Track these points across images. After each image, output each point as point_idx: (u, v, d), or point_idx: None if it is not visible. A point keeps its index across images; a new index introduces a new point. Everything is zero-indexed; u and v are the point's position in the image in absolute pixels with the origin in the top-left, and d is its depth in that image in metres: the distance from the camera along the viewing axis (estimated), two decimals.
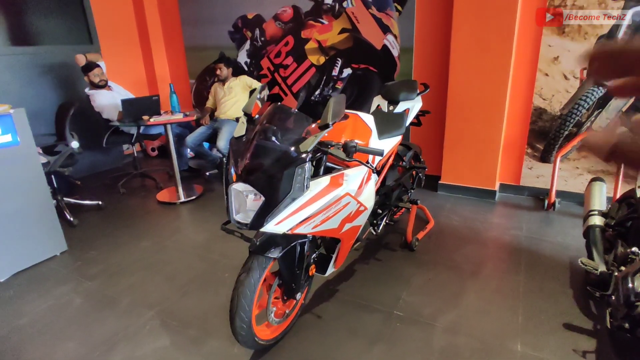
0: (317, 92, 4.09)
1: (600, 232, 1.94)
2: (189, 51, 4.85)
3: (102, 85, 3.79)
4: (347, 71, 3.85)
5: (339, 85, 3.94)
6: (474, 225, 2.92)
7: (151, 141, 4.87)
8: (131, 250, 2.79)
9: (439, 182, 3.54)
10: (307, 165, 1.44)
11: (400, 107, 2.45)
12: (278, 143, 1.49)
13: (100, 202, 3.51)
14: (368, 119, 2.05)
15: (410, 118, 2.46)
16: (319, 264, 1.90)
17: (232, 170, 1.51)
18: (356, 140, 1.78)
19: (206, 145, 4.29)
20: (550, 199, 3.06)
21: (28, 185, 2.52)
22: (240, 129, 1.61)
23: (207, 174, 4.23)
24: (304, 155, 1.43)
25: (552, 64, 3.01)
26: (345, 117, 1.94)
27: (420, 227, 2.85)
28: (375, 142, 2.04)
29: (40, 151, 3.13)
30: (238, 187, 1.47)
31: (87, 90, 3.78)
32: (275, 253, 1.54)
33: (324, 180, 1.56)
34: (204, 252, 2.70)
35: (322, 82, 4.02)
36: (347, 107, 4.02)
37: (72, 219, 3.20)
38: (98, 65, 3.76)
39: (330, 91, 4.01)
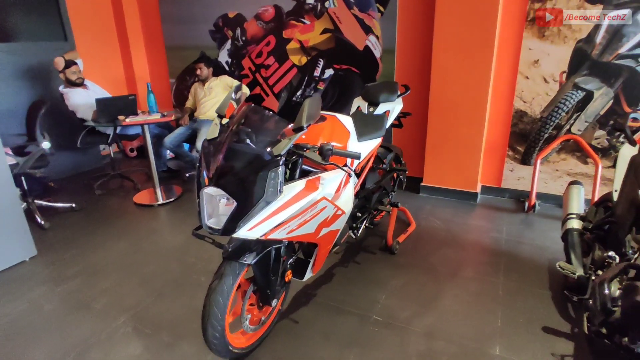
0: (299, 92, 4.04)
1: (578, 236, 1.95)
2: (169, 50, 4.75)
3: (79, 83, 3.67)
4: (329, 72, 3.82)
5: (321, 86, 3.91)
6: (455, 227, 2.91)
7: (129, 142, 4.74)
8: (105, 253, 2.69)
9: (421, 184, 3.53)
10: (281, 169, 1.39)
11: (380, 109, 2.42)
12: (251, 146, 1.44)
13: (73, 205, 3.40)
14: (346, 120, 2.01)
15: (390, 120, 2.44)
16: (297, 268, 1.86)
17: (204, 174, 1.46)
18: (333, 143, 1.74)
19: (186, 146, 4.20)
20: (530, 201, 3.07)
21: None
22: (213, 131, 1.55)
23: (187, 175, 4.14)
24: (277, 159, 1.38)
25: (532, 67, 3.03)
26: (323, 119, 1.90)
27: (402, 229, 2.83)
28: (354, 145, 2.00)
29: (10, 152, 3.01)
30: (209, 191, 1.42)
31: (61, 88, 3.65)
32: (250, 259, 1.49)
33: (299, 184, 1.51)
34: (180, 255, 2.63)
35: (304, 83, 3.98)
36: (329, 108, 4.00)
37: (43, 222, 3.08)
38: (75, 63, 3.64)
39: (312, 92, 3.97)
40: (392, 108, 2.43)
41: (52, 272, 2.50)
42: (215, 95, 3.88)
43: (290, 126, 1.55)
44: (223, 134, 1.52)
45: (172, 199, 3.58)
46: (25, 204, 3.15)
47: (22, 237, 2.61)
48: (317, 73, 3.87)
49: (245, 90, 3.93)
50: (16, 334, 1.95)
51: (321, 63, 3.83)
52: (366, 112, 2.43)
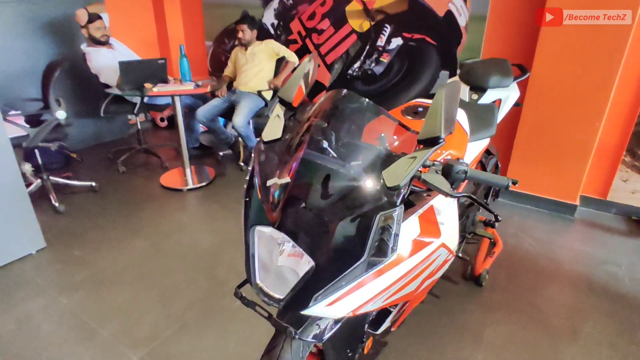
0: (357, 65, 3.39)
1: None
2: (206, 8, 4.15)
3: (104, 42, 3.16)
4: (397, 41, 3.13)
5: (385, 58, 3.24)
6: (554, 252, 2.28)
7: (159, 112, 4.24)
8: (123, 252, 2.25)
9: None
10: (398, 213, 0.81)
11: (488, 97, 1.77)
12: (345, 163, 0.86)
13: (93, 184, 2.96)
14: (461, 116, 1.39)
15: (503, 113, 1.79)
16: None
17: (258, 198, 0.90)
18: (450, 151, 1.14)
19: (222, 120, 3.67)
20: None
21: None
22: (275, 128, 0.98)
23: (220, 154, 3.63)
24: (393, 193, 0.80)
25: None
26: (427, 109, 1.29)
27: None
28: (469, 151, 1.39)
29: (22, 122, 2.56)
30: (268, 230, 0.86)
31: (83, 47, 3.16)
32: (322, 336, 0.95)
33: (412, 227, 0.93)
34: (210, 264, 2.15)
35: (364, 53, 3.32)
36: (392, 87, 3.34)
37: (57, 204, 2.66)
38: (100, 17, 3.12)
39: (373, 64, 3.30)
40: (505, 97, 1.78)
41: (57, 274, 2.07)
42: (259, 63, 3.29)
43: (410, 131, 0.96)
44: (292, 133, 0.95)
45: (204, 184, 3.10)
46: (39, 181, 2.74)
47: (29, 227, 2.19)
48: (381, 42, 3.20)
49: (294, 59, 3.30)
50: None
51: (387, 30, 3.14)
52: (467, 100, 1.79)
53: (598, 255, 2.26)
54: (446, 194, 0.91)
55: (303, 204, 0.84)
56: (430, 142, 0.81)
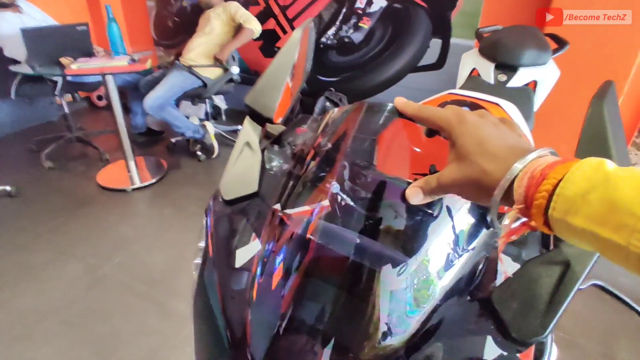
0: (331, 31, 2.88)
1: None
2: None
3: (7, 4, 2.45)
4: (380, 3, 2.64)
5: (365, 23, 2.74)
6: None
7: (91, 91, 3.53)
8: (47, 285, 1.73)
9: None
10: None
11: (520, 78, 1.36)
12: (402, 258, 0.43)
13: (8, 187, 2.35)
14: (514, 113, 0.97)
15: (540, 99, 1.39)
16: None
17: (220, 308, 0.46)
18: None
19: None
20: None
21: None
22: (244, 173, 0.52)
23: (173, 140, 3.06)
24: (522, 351, 0.38)
25: None
26: (475, 106, 0.87)
27: None
28: None
29: None
30: None
31: None
32: None
33: None
34: (163, 293, 1.69)
35: (340, 17, 2.80)
36: (375, 57, 2.84)
37: None
38: None
39: (351, 31, 2.80)
40: (542, 78, 1.37)
41: None
42: (210, 32, 2.69)
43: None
44: (283, 181, 0.50)
45: (154, 180, 2.56)
46: None
47: None
48: (360, 4, 2.69)
49: (252, 27, 2.66)
50: None
51: None
52: (492, 82, 1.37)
53: None
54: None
55: (316, 348, 0.40)
56: None
